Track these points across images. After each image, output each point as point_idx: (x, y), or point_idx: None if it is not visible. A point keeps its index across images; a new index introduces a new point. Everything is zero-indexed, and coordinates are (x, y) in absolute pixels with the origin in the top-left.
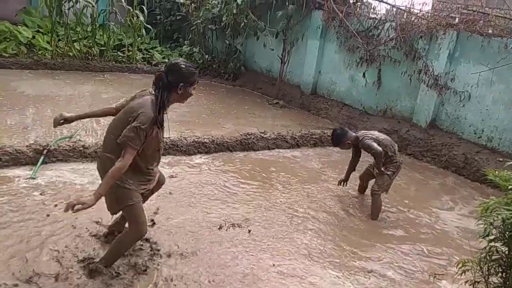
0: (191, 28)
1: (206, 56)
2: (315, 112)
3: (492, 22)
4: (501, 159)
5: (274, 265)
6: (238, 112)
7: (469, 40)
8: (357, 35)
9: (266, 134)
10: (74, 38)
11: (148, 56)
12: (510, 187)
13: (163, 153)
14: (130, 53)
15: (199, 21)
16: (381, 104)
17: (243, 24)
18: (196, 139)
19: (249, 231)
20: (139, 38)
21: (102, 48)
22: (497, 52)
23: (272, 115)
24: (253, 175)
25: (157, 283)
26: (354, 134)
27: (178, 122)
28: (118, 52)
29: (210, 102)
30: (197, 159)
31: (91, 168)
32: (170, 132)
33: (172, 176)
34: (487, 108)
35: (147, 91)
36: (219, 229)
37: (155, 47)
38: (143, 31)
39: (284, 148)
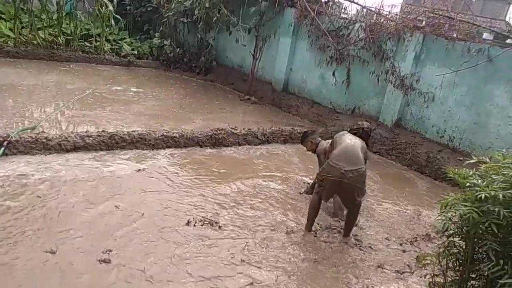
0: (162, 20)
1: (177, 50)
2: (286, 109)
3: (456, 27)
4: (461, 158)
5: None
6: (209, 107)
7: (434, 43)
8: (328, 34)
9: (236, 130)
10: (39, 26)
11: (116, 47)
12: (467, 184)
13: (130, 147)
14: (98, 43)
15: (171, 14)
16: (350, 103)
17: (215, 18)
18: (165, 133)
19: (220, 227)
20: (108, 29)
21: (69, 37)
22: (460, 56)
23: (243, 111)
24: (220, 170)
25: None
26: (319, 140)
27: (146, 116)
28: (85, 42)
29: (181, 96)
30: (166, 153)
31: (53, 160)
32: (138, 126)
33: (139, 170)
34: (450, 109)
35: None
36: (186, 224)
37: (124, 38)
38: (112, 21)
39: (255, 144)
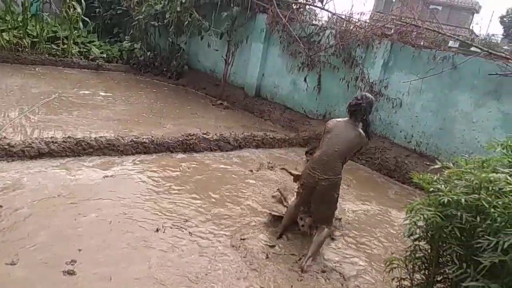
0: (133, 24)
1: (148, 53)
2: (258, 115)
3: (423, 35)
4: (428, 163)
5: None
6: (180, 112)
7: (402, 50)
8: (299, 41)
9: (208, 135)
10: (3, 28)
11: (85, 50)
12: (431, 189)
13: (97, 153)
14: (65, 46)
15: (141, 17)
16: (321, 109)
17: (187, 22)
18: (134, 139)
19: (190, 233)
20: (76, 31)
21: (34, 39)
22: (426, 63)
23: (215, 116)
24: (191, 176)
25: None
26: None
27: (115, 121)
28: (52, 45)
29: (151, 100)
30: (135, 159)
31: (15, 168)
32: (106, 131)
33: (106, 177)
34: (417, 114)
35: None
36: (155, 232)
37: (93, 41)
38: (80, 23)
39: (227, 150)
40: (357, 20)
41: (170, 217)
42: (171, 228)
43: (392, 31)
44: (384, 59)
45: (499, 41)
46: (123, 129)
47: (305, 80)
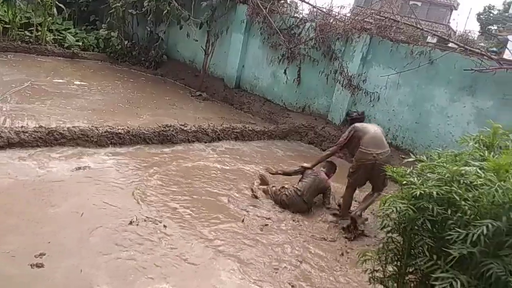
0: (110, 11)
1: (126, 42)
2: (238, 106)
3: (402, 29)
4: (403, 156)
5: None
6: (158, 102)
7: (380, 44)
8: (279, 33)
9: (186, 126)
10: None
11: (60, 37)
12: (404, 182)
13: (71, 144)
14: (39, 33)
15: (119, 5)
16: (301, 101)
17: (166, 11)
18: (109, 129)
19: (165, 226)
20: (50, 18)
21: (7, 26)
22: (404, 57)
23: (194, 107)
24: (167, 168)
25: None
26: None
27: (90, 111)
28: (25, 32)
29: (128, 90)
30: (109, 151)
31: None
32: (80, 121)
33: (79, 169)
34: (393, 108)
35: None
36: (129, 224)
37: (69, 28)
38: (55, 10)
39: (205, 142)
40: (337, 14)
41: (145, 209)
42: (145, 220)
43: (371, 25)
44: (363, 53)
45: (475, 38)
46: (98, 119)
47: (285, 72)
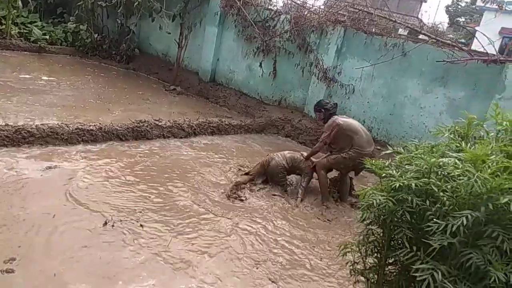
0: (78, 3)
1: (96, 35)
2: (213, 100)
3: (375, 22)
4: (379, 147)
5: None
6: (131, 97)
7: (354, 37)
8: (254, 25)
9: (161, 121)
10: None
11: (25, 31)
12: (384, 174)
13: (39, 142)
14: (3, 27)
15: None
16: (277, 94)
17: (137, 3)
18: (80, 126)
19: (141, 225)
20: (15, 11)
21: None
22: (378, 50)
23: (169, 102)
24: (142, 165)
25: None
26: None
27: (59, 107)
28: None
29: (99, 85)
30: (81, 148)
31: None
32: (49, 118)
33: (49, 168)
34: (368, 100)
35: None
36: (103, 225)
37: (35, 21)
38: (20, 2)
39: (181, 137)
40: (311, 6)
41: (119, 209)
42: (120, 221)
43: (345, 17)
44: (338, 46)
45: (445, 30)
46: (68, 116)
47: (260, 65)
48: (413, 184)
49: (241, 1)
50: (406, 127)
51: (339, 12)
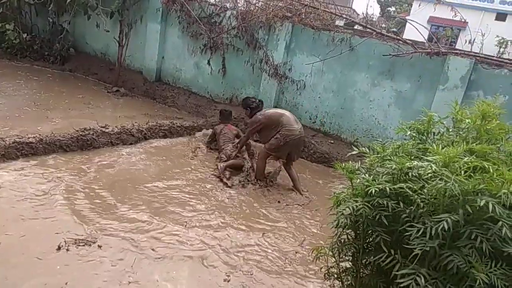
0: (2, 1)
1: (25, 35)
2: (161, 101)
3: (320, 16)
4: (332, 141)
5: None
6: (70, 102)
7: (302, 32)
8: (199, 21)
9: (108, 128)
10: None
11: None
12: (358, 180)
13: None
14: None
15: None
16: (227, 92)
17: (69, 0)
18: (17, 139)
19: (99, 246)
20: None
21: None
22: (326, 45)
23: (113, 105)
24: (92, 179)
25: None
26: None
27: None
28: None
29: (33, 90)
30: (21, 164)
31: None
32: None
33: None
34: (319, 95)
35: None
36: (57, 250)
37: None
38: None
39: (131, 143)
40: (257, 1)
41: (73, 229)
42: (75, 243)
43: (292, 13)
44: (286, 42)
45: (376, 20)
46: (1, 127)
47: (208, 63)
48: (388, 189)
49: None
50: (357, 120)
51: (287, 6)
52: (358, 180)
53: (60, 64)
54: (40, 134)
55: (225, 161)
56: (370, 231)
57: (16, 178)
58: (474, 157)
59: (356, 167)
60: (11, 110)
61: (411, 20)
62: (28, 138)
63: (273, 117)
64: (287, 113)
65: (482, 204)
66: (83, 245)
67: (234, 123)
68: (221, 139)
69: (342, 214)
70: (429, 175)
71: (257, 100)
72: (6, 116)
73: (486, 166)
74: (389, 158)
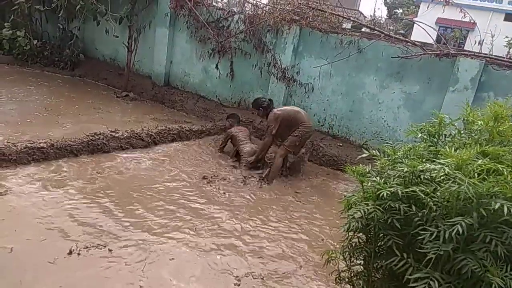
0: (13, 8)
1: (35, 42)
2: (169, 105)
3: (328, 19)
4: (340, 144)
5: None
6: (81, 107)
7: (310, 35)
8: (207, 26)
9: (117, 132)
10: None
11: None
12: (369, 184)
13: None
14: None
15: (23, 1)
16: (236, 96)
17: (79, 6)
18: (29, 144)
19: (110, 250)
20: None
21: None
22: (334, 47)
23: (122, 110)
24: (103, 183)
25: None
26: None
27: (2, 123)
28: None
29: (44, 96)
30: (33, 169)
31: None
32: None
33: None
34: (328, 98)
35: None
36: (68, 254)
37: None
38: None
39: (141, 147)
40: (264, 5)
41: (85, 234)
42: (86, 248)
43: (299, 17)
44: (294, 45)
45: (383, 22)
46: (13, 133)
47: (216, 67)
48: (400, 192)
49: (192, 1)
50: (366, 123)
51: (294, 10)
52: (369, 183)
53: (70, 70)
54: (51, 139)
55: (251, 163)
56: (382, 234)
57: (27, 183)
58: (488, 159)
59: (367, 170)
60: (22, 115)
61: (419, 22)
62: (40, 143)
63: (290, 112)
64: (300, 110)
65: (497, 207)
66: (94, 249)
67: (243, 126)
68: (238, 139)
69: (353, 217)
70: (442, 178)
71: (267, 99)
72: (18, 121)
73: (500, 168)
74: (400, 160)
